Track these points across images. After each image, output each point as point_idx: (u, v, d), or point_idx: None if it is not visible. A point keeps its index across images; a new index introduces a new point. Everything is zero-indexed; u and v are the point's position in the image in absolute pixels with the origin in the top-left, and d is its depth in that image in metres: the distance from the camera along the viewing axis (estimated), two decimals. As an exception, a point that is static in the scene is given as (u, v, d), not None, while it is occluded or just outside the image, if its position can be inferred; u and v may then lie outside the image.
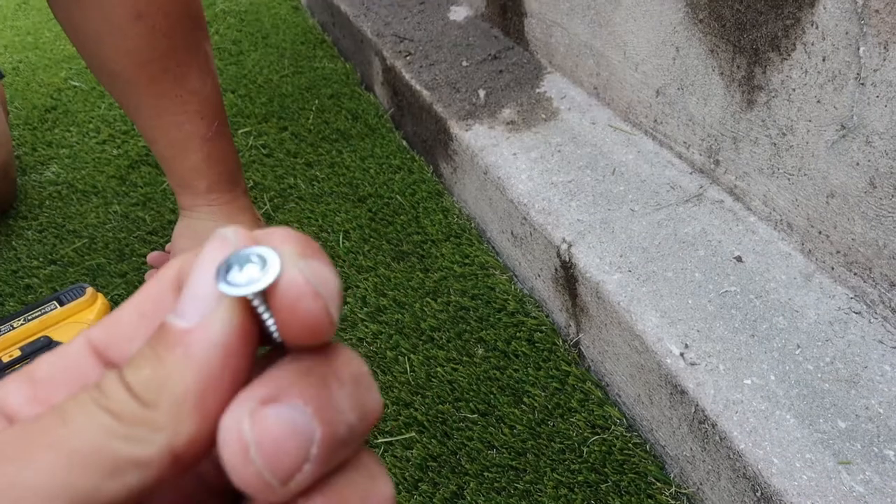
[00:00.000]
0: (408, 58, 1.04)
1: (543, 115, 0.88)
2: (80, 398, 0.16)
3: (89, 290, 0.70)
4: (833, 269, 0.62)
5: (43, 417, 0.15)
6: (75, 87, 1.35)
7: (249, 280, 0.15)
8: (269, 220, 0.96)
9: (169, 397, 0.15)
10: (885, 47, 0.51)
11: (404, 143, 1.08)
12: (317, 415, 0.16)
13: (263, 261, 0.16)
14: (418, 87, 0.98)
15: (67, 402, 0.16)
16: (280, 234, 0.17)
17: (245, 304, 0.16)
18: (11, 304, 0.89)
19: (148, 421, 0.15)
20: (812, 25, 0.57)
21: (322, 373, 0.16)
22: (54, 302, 0.68)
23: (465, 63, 1.00)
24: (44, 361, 0.18)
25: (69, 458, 0.14)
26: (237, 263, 0.16)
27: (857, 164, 0.56)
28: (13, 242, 1.00)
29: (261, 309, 0.16)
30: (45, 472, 0.14)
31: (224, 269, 0.16)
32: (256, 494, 0.15)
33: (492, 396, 0.71)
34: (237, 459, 0.15)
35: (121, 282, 0.90)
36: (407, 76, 1.01)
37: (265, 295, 0.16)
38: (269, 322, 0.16)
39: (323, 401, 0.16)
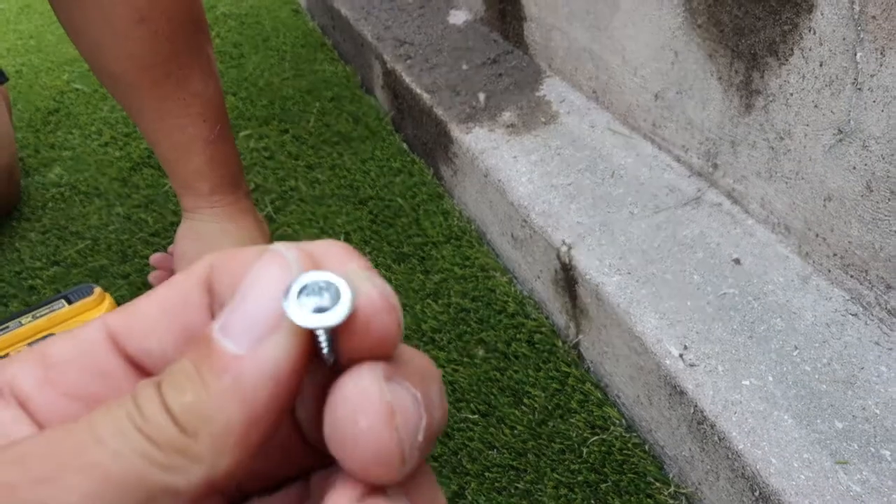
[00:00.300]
0: (408, 61, 1.05)
1: (543, 119, 0.89)
2: (115, 415, 0.15)
3: (97, 289, 0.71)
4: (830, 271, 0.63)
5: (74, 431, 0.14)
6: (77, 89, 1.35)
7: (319, 307, 0.15)
8: (271, 223, 0.97)
9: (212, 428, 0.14)
10: (881, 53, 0.52)
11: (405, 145, 1.08)
12: (423, 401, 0.15)
13: (331, 287, 0.15)
14: (418, 91, 0.98)
15: (101, 416, 0.15)
16: (335, 252, 0.16)
17: (306, 332, 0.15)
18: (15, 305, 0.90)
19: (187, 450, 0.14)
20: (810, 31, 0.57)
21: (417, 367, 0.16)
22: (62, 300, 0.69)
23: (464, 67, 1.01)
24: (57, 343, 0.17)
25: (103, 484, 0.14)
26: (304, 291, 0.15)
27: (854, 168, 0.57)
28: (16, 244, 1.00)
29: (322, 336, 0.15)
30: (78, 496, 0.14)
31: (292, 296, 0.15)
32: (380, 468, 0.14)
33: (492, 397, 0.71)
34: (380, 425, 0.14)
35: (123, 283, 0.90)
36: (407, 79, 1.01)
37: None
38: (324, 343, 0.15)
39: (425, 389, 0.16)
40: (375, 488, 0.15)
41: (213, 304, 0.17)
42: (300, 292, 0.15)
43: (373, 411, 0.14)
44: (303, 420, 0.18)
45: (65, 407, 0.17)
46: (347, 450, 0.14)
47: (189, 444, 0.14)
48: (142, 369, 0.17)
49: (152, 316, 0.17)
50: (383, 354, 0.15)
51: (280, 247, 0.15)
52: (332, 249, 0.16)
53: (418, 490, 0.16)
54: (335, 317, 0.14)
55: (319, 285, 0.15)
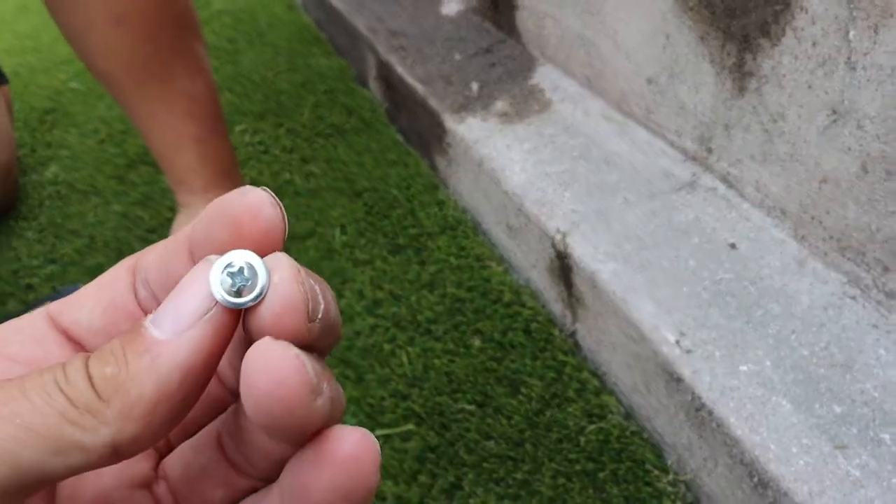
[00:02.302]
0: (401, 53, 1.04)
1: (536, 107, 0.89)
2: (44, 377, 0.17)
3: None
4: (826, 254, 0.62)
5: (7, 386, 0.17)
6: (74, 89, 1.35)
7: (239, 286, 0.17)
8: (267, 217, 0.96)
9: (124, 398, 0.16)
10: (874, 31, 0.51)
11: (399, 137, 1.08)
12: (322, 293, 0.18)
13: (250, 267, 0.17)
14: (412, 82, 0.98)
15: (32, 377, 0.17)
16: (245, 202, 0.18)
17: (223, 326, 0.18)
18: (12, 304, 0.90)
19: (99, 413, 0.16)
20: (801, 10, 0.56)
21: (316, 275, 0.19)
22: (49, 303, 0.69)
23: (457, 57, 1.00)
24: (2, 324, 0.20)
25: (21, 431, 0.16)
26: (228, 269, 0.17)
27: (849, 148, 0.56)
28: (14, 242, 1.00)
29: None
30: None
31: (216, 274, 0.17)
32: (290, 314, 0.17)
33: (489, 387, 0.71)
34: (289, 278, 0.17)
35: (120, 281, 0.90)
36: (401, 71, 1.01)
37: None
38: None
39: (322, 286, 0.19)
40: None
41: (135, 282, 0.20)
42: (224, 269, 0.17)
43: (284, 268, 0.17)
44: (223, 367, 0.22)
45: (6, 369, 0.19)
46: (265, 303, 0.17)
47: (101, 408, 0.16)
48: (72, 338, 0.20)
49: (86, 294, 0.20)
50: (273, 239, 0.18)
51: (212, 257, 0.18)
52: (243, 204, 0.18)
53: (319, 363, 0.18)
54: (253, 299, 0.17)
55: (241, 266, 0.17)
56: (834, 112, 0.57)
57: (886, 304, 0.58)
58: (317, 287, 0.18)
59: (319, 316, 0.18)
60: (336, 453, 0.18)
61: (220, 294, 0.17)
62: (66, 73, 1.40)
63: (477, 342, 0.75)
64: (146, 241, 0.96)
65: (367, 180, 1.00)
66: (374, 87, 1.16)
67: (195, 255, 0.19)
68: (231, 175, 0.81)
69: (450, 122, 0.89)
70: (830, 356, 0.57)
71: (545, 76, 0.93)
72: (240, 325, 0.18)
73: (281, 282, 0.17)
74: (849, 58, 0.54)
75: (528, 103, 0.89)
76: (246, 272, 0.17)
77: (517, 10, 0.97)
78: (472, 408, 0.70)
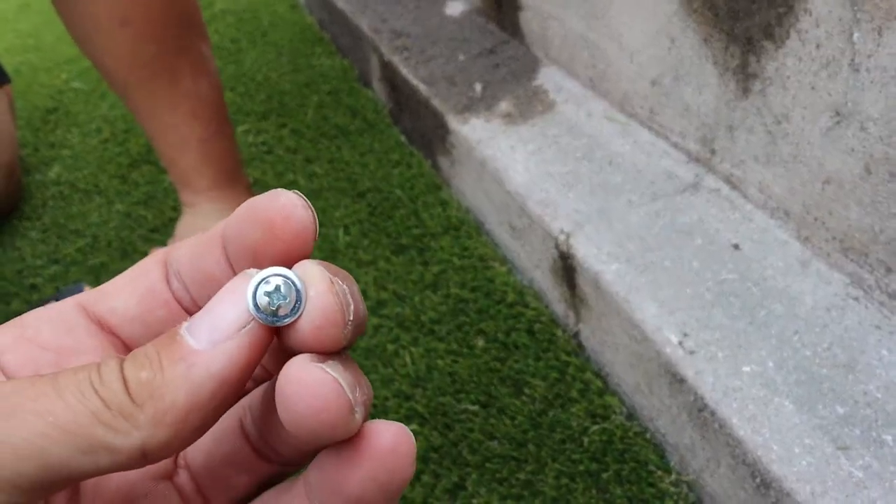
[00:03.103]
0: (405, 53, 1.04)
1: (540, 108, 0.89)
2: (78, 376, 0.17)
3: (87, 288, 0.71)
4: (829, 255, 0.62)
5: (40, 382, 0.17)
6: (76, 88, 1.35)
7: (278, 305, 0.18)
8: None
9: (157, 404, 0.17)
10: (878, 33, 0.52)
11: (403, 137, 1.08)
12: (350, 292, 0.19)
13: (288, 283, 0.18)
14: (416, 82, 0.98)
15: (66, 375, 0.17)
16: (276, 207, 0.19)
17: (258, 342, 0.18)
18: (16, 304, 0.90)
19: (131, 417, 0.16)
20: (805, 13, 0.57)
21: (340, 270, 0.19)
22: (53, 302, 0.69)
23: (461, 57, 1.00)
24: (32, 312, 0.21)
25: (52, 429, 0.16)
26: (265, 287, 0.18)
27: (852, 150, 0.56)
28: (17, 242, 1.00)
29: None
30: (28, 435, 0.16)
31: (250, 292, 0.18)
32: (328, 325, 0.18)
33: (492, 388, 0.71)
34: (325, 290, 0.18)
35: (123, 280, 0.90)
36: (404, 71, 1.01)
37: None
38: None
39: (349, 284, 0.19)
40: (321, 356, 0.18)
41: (168, 273, 0.21)
42: (262, 285, 0.18)
43: (319, 280, 0.18)
44: None
45: (37, 356, 0.20)
46: (304, 318, 0.18)
47: (134, 412, 0.16)
48: (105, 327, 0.21)
49: (119, 284, 0.21)
50: (304, 240, 0.19)
51: (251, 271, 0.18)
52: (276, 205, 0.19)
53: (350, 368, 0.18)
54: (290, 315, 0.18)
55: (278, 284, 0.18)
56: (837, 114, 0.57)
57: (889, 305, 0.58)
58: (345, 286, 0.18)
59: (351, 318, 0.18)
60: (375, 448, 0.18)
61: (258, 312, 0.17)
62: (68, 73, 1.40)
63: (480, 342, 0.76)
64: (149, 241, 0.96)
65: (371, 180, 1.00)
66: (378, 87, 1.16)
67: (229, 251, 0.20)
68: (236, 175, 0.81)
69: (453, 122, 0.90)
70: (833, 357, 0.57)
71: (549, 77, 0.93)
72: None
73: (317, 295, 0.18)
74: (853, 60, 0.54)
75: (531, 104, 0.89)
76: (283, 289, 0.17)
77: (521, 11, 0.97)
78: (475, 408, 0.70)
